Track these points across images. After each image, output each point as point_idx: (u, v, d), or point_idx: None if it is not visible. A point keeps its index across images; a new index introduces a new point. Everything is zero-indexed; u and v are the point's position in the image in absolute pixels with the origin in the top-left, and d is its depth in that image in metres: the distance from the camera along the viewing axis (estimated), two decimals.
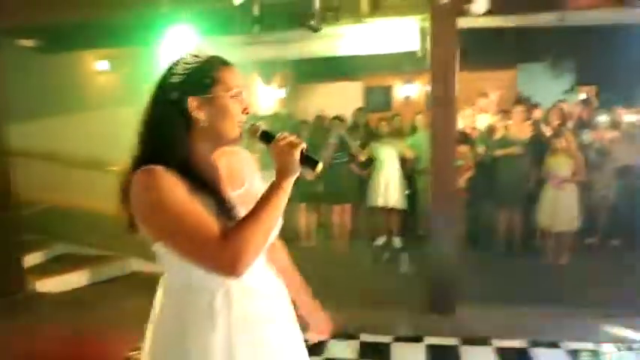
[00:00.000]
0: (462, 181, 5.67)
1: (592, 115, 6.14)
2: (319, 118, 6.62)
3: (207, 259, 1.14)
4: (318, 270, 4.96)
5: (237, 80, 1.28)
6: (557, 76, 9.07)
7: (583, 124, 6.02)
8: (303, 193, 5.66)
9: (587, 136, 5.61)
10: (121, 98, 5.80)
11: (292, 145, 1.20)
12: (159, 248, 1.23)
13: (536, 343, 3.47)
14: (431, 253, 3.81)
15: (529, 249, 5.67)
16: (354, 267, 5.49)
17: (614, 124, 5.64)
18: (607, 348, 3.40)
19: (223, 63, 1.29)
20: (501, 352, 3.39)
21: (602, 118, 5.60)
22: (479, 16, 3.71)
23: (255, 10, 3.67)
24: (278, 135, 1.24)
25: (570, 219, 5.29)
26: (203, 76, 1.24)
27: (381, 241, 6.11)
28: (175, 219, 1.13)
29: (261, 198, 1.20)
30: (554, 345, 3.45)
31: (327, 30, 3.90)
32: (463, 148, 5.70)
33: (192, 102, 1.23)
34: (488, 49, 6.96)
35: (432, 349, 3.44)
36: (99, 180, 5.27)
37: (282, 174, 1.21)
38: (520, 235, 5.71)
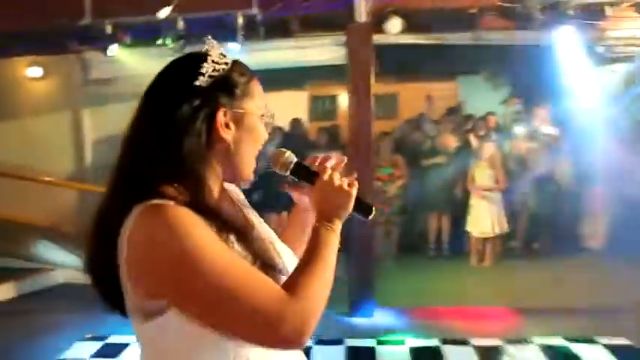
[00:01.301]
0: (394, 188, 5.92)
1: (517, 126, 6.53)
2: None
3: (265, 327, 0.83)
4: None
5: (263, 96, 1.02)
6: (494, 89, 9.56)
7: (507, 135, 6.39)
8: None
9: (509, 146, 5.98)
10: (53, 105, 5.75)
11: (350, 186, 1.02)
12: (161, 320, 0.86)
13: (447, 341, 3.70)
14: (352, 258, 3.99)
15: (457, 252, 5.97)
16: None
17: (533, 135, 6.04)
18: (514, 344, 3.66)
19: (251, 71, 1.02)
20: (415, 351, 3.60)
21: (523, 130, 5.98)
22: (395, 34, 3.96)
23: (180, 25, 3.76)
24: (325, 171, 1.03)
25: (493, 224, 5.62)
26: (234, 84, 0.97)
27: None
28: (219, 278, 0.82)
29: (315, 246, 0.96)
30: (463, 342, 3.69)
31: (254, 45, 4.05)
32: (396, 157, 5.97)
33: (221, 115, 0.95)
34: (429, 63, 7.32)
35: (352, 351, 3.61)
36: (28, 189, 5.20)
37: (335, 217, 1.00)
38: (449, 240, 6.01)
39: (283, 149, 1.06)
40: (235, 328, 0.85)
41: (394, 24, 3.71)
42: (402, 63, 6.98)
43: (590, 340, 3.60)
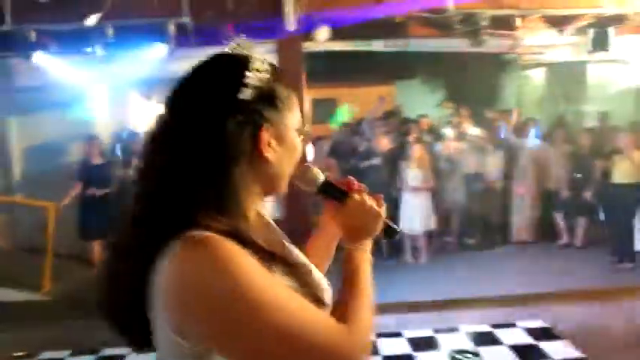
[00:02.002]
0: None
1: (447, 128, 6.89)
2: None
3: None
4: None
5: (299, 109, 0.93)
6: (431, 92, 9.99)
7: (438, 137, 6.73)
8: None
9: (439, 147, 6.30)
10: None
11: (379, 207, 0.99)
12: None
13: (381, 335, 3.87)
14: None
15: (395, 251, 6.20)
16: None
17: (462, 136, 6.40)
18: (444, 333, 3.88)
19: (287, 81, 0.92)
20: None
21: (452, 131, 6.33)
22: (324, 42, 4.12)
23: (109, 32, 3.73)
24: (356, 191, 0.98)
25: (426, 222, 5.91)
26: (278, 97, 0.86)
27: None
28: (277, 315, 0.74)
29: (354, 271, 0.93)
30: (397, 335, 3.87)
31: (185, 52, 4.07)
32: (329, 160, 6.12)
33: (265, 133, 0.85)
34: (368, 68, 7.59)
35: None
36: None
37: (365, 238, 0.98)
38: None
39: (309, 164, 0.99)
40: None
41: (323, 32, 3.87)
42: (339, 69, 7.20)
43: (511, 325, 3.88)
